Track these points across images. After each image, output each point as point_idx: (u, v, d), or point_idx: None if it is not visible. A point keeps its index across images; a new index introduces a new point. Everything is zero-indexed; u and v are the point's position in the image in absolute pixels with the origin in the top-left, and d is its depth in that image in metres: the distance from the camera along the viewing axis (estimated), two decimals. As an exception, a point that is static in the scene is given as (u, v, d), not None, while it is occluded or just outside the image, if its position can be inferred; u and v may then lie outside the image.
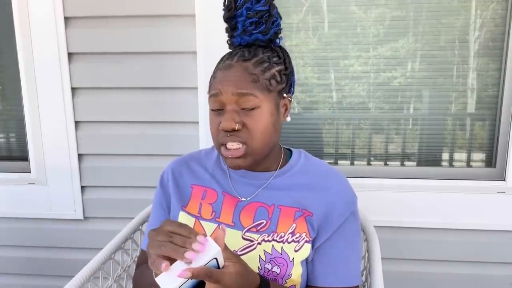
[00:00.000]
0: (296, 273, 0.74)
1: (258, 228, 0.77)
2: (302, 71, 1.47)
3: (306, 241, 0.75)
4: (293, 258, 0.74)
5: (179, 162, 0.89)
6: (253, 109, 0.71)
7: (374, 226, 1.01)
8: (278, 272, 0.74)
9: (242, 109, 0.71)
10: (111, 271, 0.99)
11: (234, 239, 0.77)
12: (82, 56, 1.43)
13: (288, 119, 0.80)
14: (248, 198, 0.80)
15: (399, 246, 1.46)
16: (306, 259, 0.76)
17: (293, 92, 0.83)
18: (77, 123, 1.48)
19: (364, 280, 0.98)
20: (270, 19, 0.74)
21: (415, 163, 1.50)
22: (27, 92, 1.45)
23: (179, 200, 0.84)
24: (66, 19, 1.40)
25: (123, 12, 1.38)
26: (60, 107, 1.45)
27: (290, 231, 0.75)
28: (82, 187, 1.53)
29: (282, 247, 0.75)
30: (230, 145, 0.72)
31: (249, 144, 0.72)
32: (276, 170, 0.82)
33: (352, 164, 1.52)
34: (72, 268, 1.61)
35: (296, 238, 0.75)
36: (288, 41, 1.45)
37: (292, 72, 0.80)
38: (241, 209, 0.79)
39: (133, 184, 1.49)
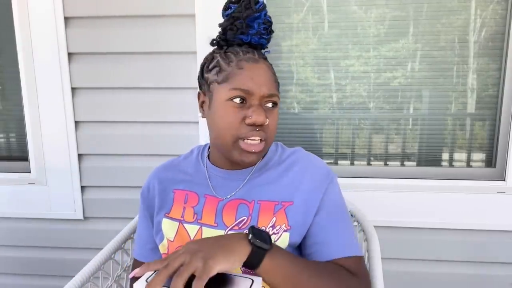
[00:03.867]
0: None
1: (240, 226, 0.77)
2: (302, 71, 1.47)
3: (284, 231, 0.75)
4: None
5: (158, 172, 0.89)
6: (275, 107, 0.76)
7: (374, 226, 1.01)
8: None
9: (265, 105, 0.75)
10: (111, 271, 0.99)
11: None
12: (82, 56, 1.43)
13: None
14: (228, 197, 0.80)
15: (399, 246, 1.46)
16: (288, 247, 0.75)
17: None
18: (77, 123, 1.48)
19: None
20: (271, 33, 0.82)
21: (415, 163, 1.50)
22: (27, 92, 1.45)
23: (161, 208, 0.84)
24: (66, 19, 1.40)
25: (123, 12, 1.38)
26: (60, 107, 1.45)
27: (270, 224, 0.76)
28: (82, 187, 1.53)
29: None
30: (252, 140, 0.73)
31: (267, 141, 0.76)
32: (254, 166, 0.83)
33: (352, 164, 1.52)
34: (72, 268, 1.61)
35: (276, 230, 0.75)
36: (288, 41, 1.45)
37: None
38: (223, 208, 0.79)
39: (133, 184, 1.49)
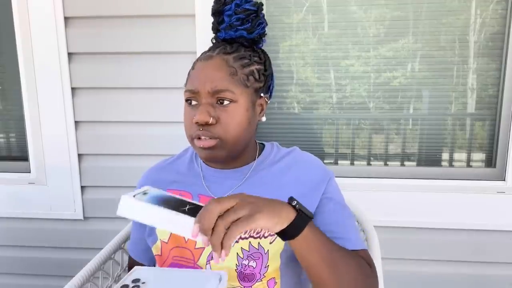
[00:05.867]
0: (274, 266, 0.74)
1: None
2: (302, 71, 1.47)
3: None
4: (268, 250, 0.74)
5: (151, 173, 0.89)
6: (228, 103, 0.71)
7: (374, 226, 1.01)
8: (254, 266, 0.73)
9: (218, 103, 0.71)
10: (111, 271, 0.99)
11: None
12: (82, 56, 1.43)
13: (264, 119, 0.80)
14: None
15: (399, 246, 1.46)
16: (286, 249, 0.75)
17: (271, 96, 0.84)
18: (77, 123, 1.48)
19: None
20: (256, 20, 0.76)
21: (415, 163, 1.50)
22: (27, 92, 1.45)
23: None
24: (66, 19, 1.40)
25: (123, 12, 1.38)
26: (60, 107, 1.45)
27: None
28: (82, 187, 1.53)
29: (259, 242, 0.74)
30: (203, 138, 0.72)
31: (223, 138, 0.72)
32: (250, 165, 0.82)
33: (352, 164, 1.52)
34: (72, 268, 1.61)
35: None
36: (288, 41, 1.45)
37: (271, 76, 0.81)
38: None
39: (133, 184, 1.48)
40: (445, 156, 1.48)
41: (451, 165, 1.48)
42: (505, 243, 1.42)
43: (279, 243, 0.74)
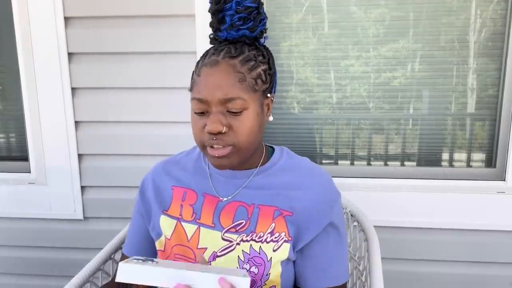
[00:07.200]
0: (275, 273, 0.74)
1: (237, 229, 0.76)
2: (302, 71, 1.47)
3: (285, 241, 0.74)
4: (271, 258, 0.73)
5: (158, 168, 0.88)
6: (240, 111, 0.69)
7: (374, 226, 1.01)
8: (256, 272, 0.73)
9: (228, 111, 0.69)
10: (111, 271, 0.99)
11: (214, 240, 0.76)
12: (82, 56, 1.43)
13: (271, 118, 0.79)
14: (229, 198, 0.79)
15: (399, 246, 1.46)
16: (287, 260, 0.75)
17: (275, 92, 0.81)
18: (77, 123, 1.48)
19: (364, 281, 0.98)
20: (258, 17, 0.73)
21: (415, 163, 1.49)
22: (27, 92, 1.45)
23: (160, 205, 0.83)
24: (66, 19, 1.40)
25: (123, 12, 1.38)
26: (60, 107, 1.45)
27: (269, 230, 0.75)
28: (82, 187, 1.53)
29: (260, 246, 0.74)
30: (216, 147, 0.70)
31: (236, 145, 0.70)
32: (256, 168, 0.81)
33: (352, 164, 1.52)
34: (72, 268, 1.61)
35: (275, 237, 0.74)
36: (288, 41, 1.45)
37: (275, 72, 0.79)
38: (221, 209, 0.78)
39: (133, 184, 1.49)
40: (445, 156, 1.48)
41: (451, 165, 1.48)
42: (505, 243, 1.42)
43: (283, 252, 0.74)
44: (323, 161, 1.54)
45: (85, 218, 1.56)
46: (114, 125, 1.48)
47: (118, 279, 0.56)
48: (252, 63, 0.71)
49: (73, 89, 1.45)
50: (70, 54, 1.43)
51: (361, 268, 1.00)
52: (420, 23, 1.39)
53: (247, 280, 0.55)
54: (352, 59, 1.44)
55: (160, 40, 1.39)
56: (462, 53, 1.40)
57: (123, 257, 0.90)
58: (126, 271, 0.55)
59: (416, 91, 1.44)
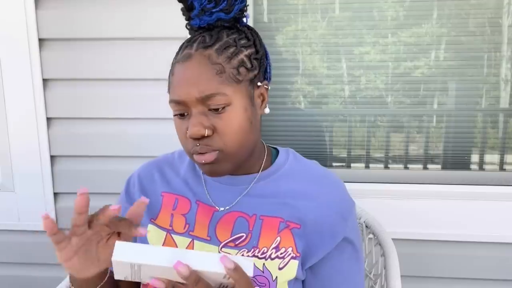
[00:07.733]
0: None
1: (236, 243, 0.76)
2: (309, 60, 1.47)
3: (292, 258, 0.74)
4: (276, 277, 0.73)
5: (148, 166, 0.88)
6: (223, 108, 0.68)
7: (393, 239, 1.01)
8: None
9: (210, 110, 0.69)
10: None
11: None
12: (56, 42, 1.43)
13: (267, 110, 0.77)
14: (227, 207, 0.79)
15: (422, 262, 1.45)
16: (295, 279, 0.75)
17: (269, 79, 0.80)
18: (49, 119, 1.48)
19: (381, 302, 0.98)
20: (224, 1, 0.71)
21: (439, 166, 1.50)
22: (-8, 84, 1.45)
23: (147, 211, 0.82)
24: (37, -1, 1.40)
25: (102, -9, 1.38)
26: (29, 101, 1.45)
27: (273, 245, 0.74)
28: (55, 194, 1.53)
29: (264, 264, 0.74)
30: (199, 154, 0.70)
31: (223, 149, 0.69)
32: (258, 172, 0.80)
33: (367, 167, 1.52)
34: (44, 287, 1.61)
35: (281, 253, 0.74)
36: (293, 25, 1.45)
37: (265, 55, 0.77)
38: (218, 221, 0.78)
39: (113, 190, 1.49)
40: (475, 158, 1.48)
41: (481, 168, 1.48)
42: (546, 258, 1.42)
43: (291, 270, 0.73)
44: (334, 164, 1.54)
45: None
46: (92, 122, 1.47)
47: (114, 257, 0.57)
48: (232, 49, 0.70)
49: (44, 80, 1.45)
50: (41, 40, 1.42)
51: (364, 281, 1.00)
52: (446, 4, 1.39)
53: (250, 260, 0.59)
54: (368, 46, 1.44)
55: (144, 24, 1.39)
56: (494, 39, 1.39)
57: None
58: (122, 250, 0.58)
59: (441, 83, 1.44)
